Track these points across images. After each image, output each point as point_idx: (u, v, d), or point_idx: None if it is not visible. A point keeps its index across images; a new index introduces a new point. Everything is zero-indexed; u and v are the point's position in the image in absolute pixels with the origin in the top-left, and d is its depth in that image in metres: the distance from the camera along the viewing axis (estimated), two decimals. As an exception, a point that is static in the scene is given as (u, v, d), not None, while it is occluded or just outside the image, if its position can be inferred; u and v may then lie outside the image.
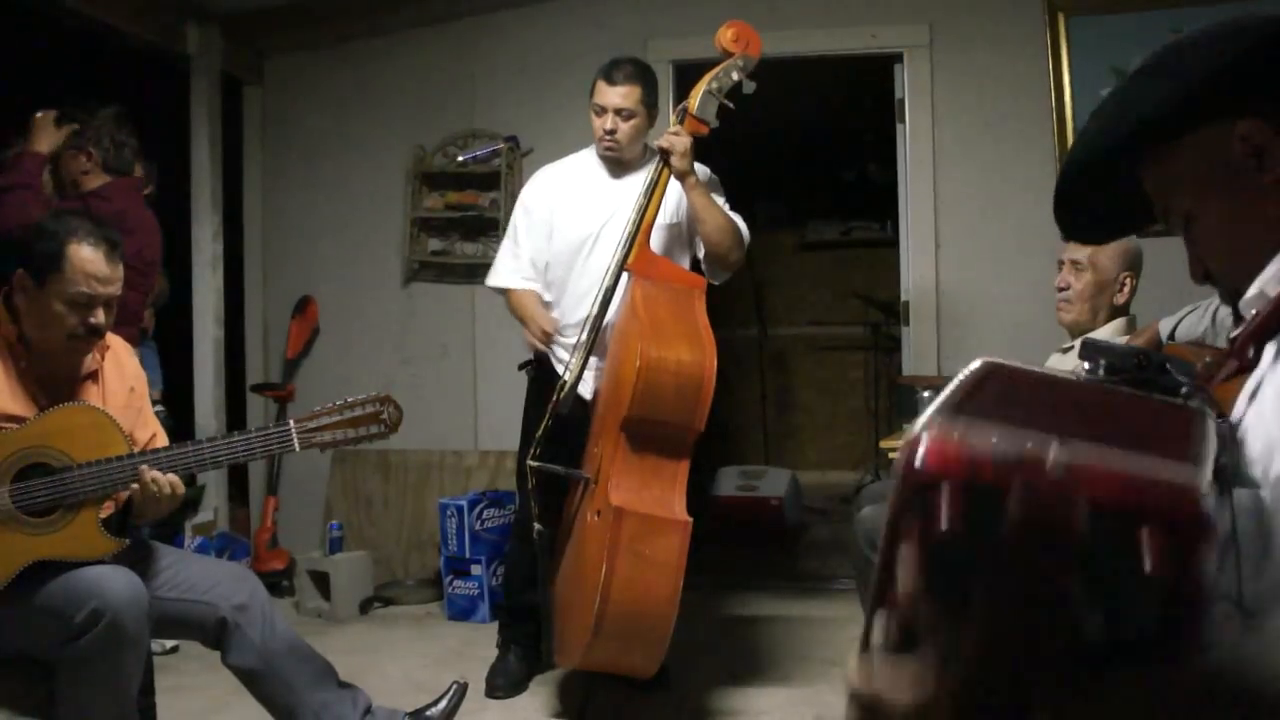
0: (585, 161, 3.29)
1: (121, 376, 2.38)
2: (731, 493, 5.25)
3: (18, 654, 2.17)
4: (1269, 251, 0.96)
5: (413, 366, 4.64)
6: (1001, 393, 0.83)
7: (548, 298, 3.25)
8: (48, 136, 3.19)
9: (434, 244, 4.71)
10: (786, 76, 5.27)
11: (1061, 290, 2.79)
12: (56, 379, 2.27)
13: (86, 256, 2.18)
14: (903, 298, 4.40)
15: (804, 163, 7.07)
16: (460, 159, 4.60)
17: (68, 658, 2.05)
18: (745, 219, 3.18)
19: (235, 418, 4.74)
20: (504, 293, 3.32)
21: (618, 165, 3.20)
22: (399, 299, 4.72)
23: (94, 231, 2.23)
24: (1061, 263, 2.82)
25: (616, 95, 3.09)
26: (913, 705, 0.73)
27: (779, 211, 7.30)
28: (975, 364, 0.87)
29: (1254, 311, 0.96)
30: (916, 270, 4.31)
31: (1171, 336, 2.56)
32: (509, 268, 3.30)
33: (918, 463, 0.72)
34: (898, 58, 4.33)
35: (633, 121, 3.11)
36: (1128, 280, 2.73)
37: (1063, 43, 4.09)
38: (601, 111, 3.11)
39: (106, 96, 3.42)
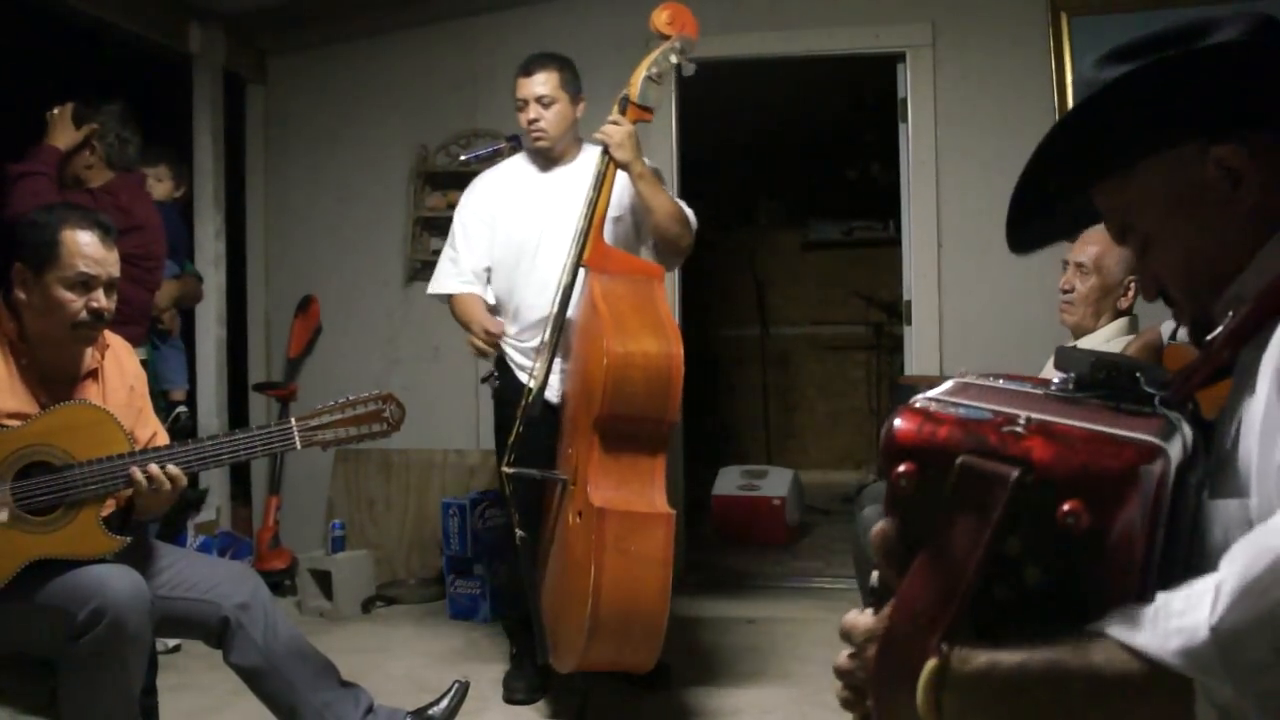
0: (521, 165, 3.29)
1: (122, 375, 2.39)
2: (733, 492, 5.25)
3: (20, 652, 2.18)
4: (1232, 274, 0.97)
5: (414, 365, 4.64)
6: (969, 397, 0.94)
7: (491, 302, 3.24)
8: (65, 132, 3.21)
9: (436, 243, 4.70)
10: (789, 76, 5.28)
11: (1065, 292, 2.78)
12: (57, 376, 2.27)
13: (81, 240, 2.20)
14: (905, 297, 4.40)
15: (806, 162, 7.08)
16: (462, 158, 4.58)
17: (70, 656, 2.05)
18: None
19: (237, 417, 4.74)
20: (446, 300, 3.29)
21: (551, 161, 3.20)
22: (401, 298, 4.73)
23: (85, 216, 2.26)
24: (1066, 263, 2.82)
25: (535, 84, 3.11)
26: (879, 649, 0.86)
27: (781, 211, 7.31)
28: (948, 382, 0.98)
29: (1230, 313, 0.97)
30: (918, 270, 4.31)
31: (1173, 337, 2.56)
32: (449, 273, 3.27)
33: (896, 424, 0.86)
34: (900, 57, 4.32)
35: (555, 108, 3.11)
36: (1132, 284, 2.72)
37: (1065, 42, 4.08)
38: (524, 105, 3.12)
39: (110, 95, 3.43)
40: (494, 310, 3.24)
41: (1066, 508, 0.77)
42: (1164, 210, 1.00)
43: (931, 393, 0.92)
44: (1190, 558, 0.86)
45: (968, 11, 4.26)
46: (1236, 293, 0.97)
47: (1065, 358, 0.97)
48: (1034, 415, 0.84)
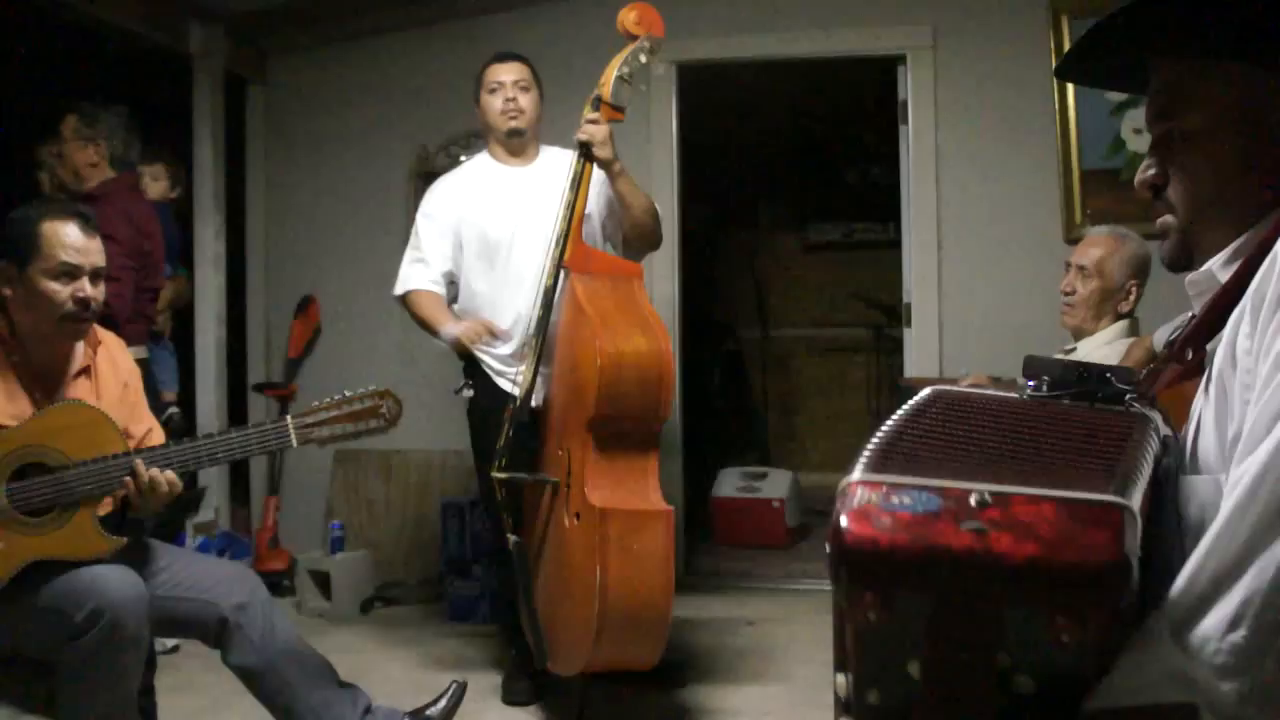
0: (484, 165, 3.27)
1: (115, 371, 2.38)
2: (733, 494, 5.25)
3: (18, 653, 2.17)
4: (1241, 219, 0.95)
5: (414, 366, 4.63)
6: (931, 427, 0.87)
7: (455, 307, 3.21)
8: None
9: (436, 244, 4.71)
10: (790, 78, 5.28)
11: (1067, 294, 2.79)
12: (49, 373, 2.26)
13: (62, 230, 2.20)
14: (904, 299, 4.39)
15: (807, 164, 7.07)
16: (463, 159, 4.58)
17: (68, 657, 2.05)
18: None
19: (237, 417, 4.74)
20: (403, 300, 3.23)
21: (516, 157, 3.21)
22: (401, 298, 4.72)
23: (64, 207, 2.28)
24: (1068, 265, 2.82)
25: (511, 69, 3.17)
26: None
27: (782, 213, 7.29)
28: (924, 392, 0.94)
29: (1190, 315, 0.97)
30: (918, 272, 4.30)
31: (1167, 345, 2.56)
32: (418, 273, 3.21)
33: (844, 523, 0.77)
34: (901, 59, 4.32)
35: (530, 94, 3.17)
36: (1134, 288, 2.73)
37: (1066, 44, 4.08)
38: (498, 87, 3.16)
39: (110, 95, 3.44)
40: (458, 316, 3.20)
41: (1060, 625, 0.72)
42: (1219, 116, 0.96)
43: (868, 466, 0.82)
44: (1173, 535, 0.86)
45: (968, 14, 4.26)
46: (1210, 269, 0.97)
47: (1032, 364, 0.98)
48: (990, 488, 0.76)
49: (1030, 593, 0.73)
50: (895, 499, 0.77)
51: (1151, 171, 1.03)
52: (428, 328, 3.19)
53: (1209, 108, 0.97)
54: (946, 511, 0.75)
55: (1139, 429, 0.88)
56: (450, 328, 3.10)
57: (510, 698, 3.17)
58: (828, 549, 0.77)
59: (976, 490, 0.76)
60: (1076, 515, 0.74)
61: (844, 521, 0.77)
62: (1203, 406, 0.92)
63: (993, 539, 0.73)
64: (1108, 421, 0.90)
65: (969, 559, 0.73)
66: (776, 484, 5.26)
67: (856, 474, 0.80)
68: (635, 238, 3.14)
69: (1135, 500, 0.77)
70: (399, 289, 3.26)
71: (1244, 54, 0.95)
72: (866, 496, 0.78)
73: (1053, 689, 0.75)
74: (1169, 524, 0.86)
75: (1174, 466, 0.90)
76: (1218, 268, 0.97)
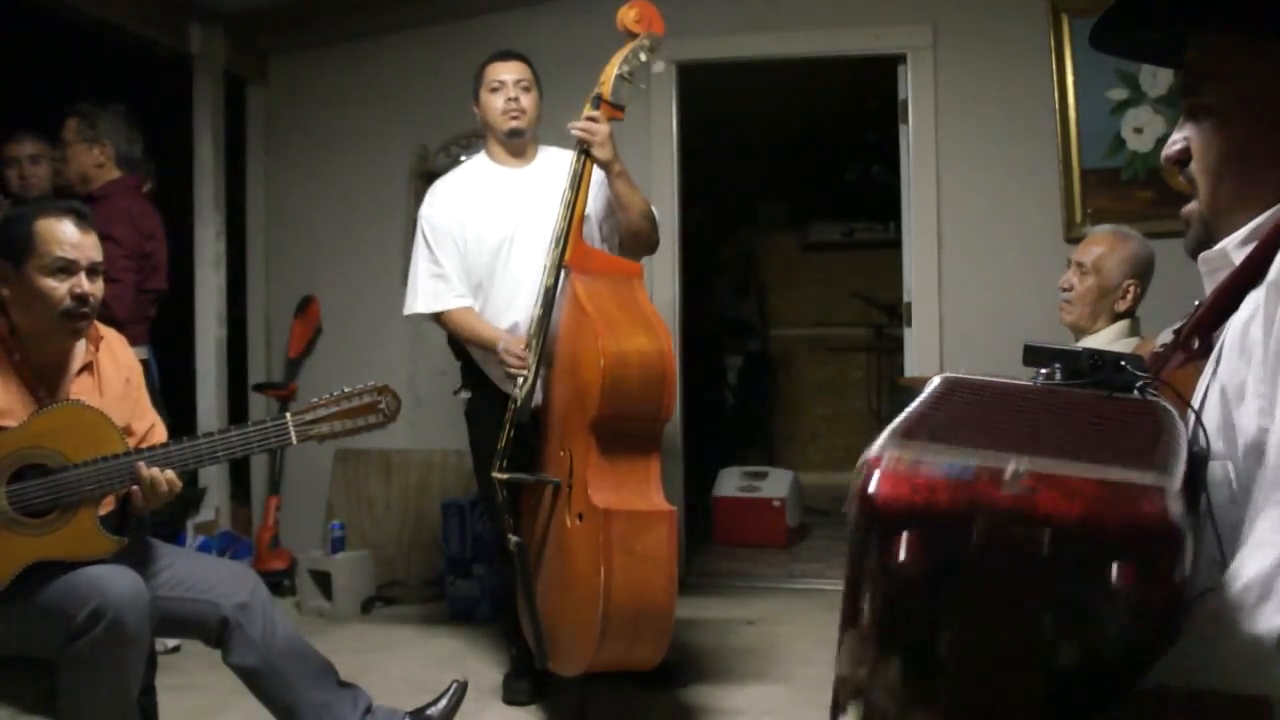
0: (482, 167, 3.25)
1: (117, 367, 2.38)
2: (733, 493, 5.25)
3: (19, 653, 2.17)
4: (1259, 201, 0.94)
5: (415, 366, 4.64)
6: (956, 412, 0.82)
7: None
8: None
9: (436, 244, 4.71)
10: (790, 77, 5.28)
11: (1064, 291, 2.80)
12: (51, 372, 2.26)
13: (56, 227, 2.19)
14: (905, 299, 4.39)
15: (807, 164, 7.08)
16: (463, 159, 4.58)
17: (69, 657, 2.04)
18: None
19: (237, 417, 4.73)
20: (437, 318, 3.16)
21: (515, 157, 3.19)
22: (401, 298, 4.68)
23: (58, 205, 2.28)
24: (1070, 262, 2.83)
25: (513, 68, 3.16)
26: None
27: (782, 212, 7.30)
28: (935, 380, 0.89)
29: (1196, 303, 0.97)
30: (919, 271, 4.30)
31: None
32: (436, 289, 3.14)
33: (871, 489, 0.70)
34: (901, 59, 4.32)
35: (531, 93, 3.16)
36: (1131, 288, 2.73)
37: (1066, 44, 4.08)
38: (500, 86, 3.14)
39: (110, 95, 3.44)
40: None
41: (1117, 582, 0.66)
42: (1241, 93, 0.95)
43: (891, 440, 0.75)
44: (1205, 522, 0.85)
45: (968, 13, 4.26)
46: (1224, 249, 0.97)
47: (1033, 352, 0.96)
48: (1026, 463, 0.70)
49: (1083, 548, 0.67)
50: (925, 467, 0.71)
51: (1177, 147, 1.02)
52: (476, 343, 3.11)
53: (1232, 85, 0.96)
54: (982, 479, 0.69)
55: (1168, 416, 0.85)
56: (501, 343, 2.99)
57: (511, 697, 3.17)
58: (850, 521, 0.71)
59: (1012, 463, 0.70)
60: (1121, 493, 0.69)
61: (873, 486, 0.70)
62: (1209, 383, 0.91)
63: (1040, 497, 0.68)
64: (1138, 408, 0.87)
65: (1015, 512, 0.68)
66: (777, 483, 5.27)
67: (878, 447, 0.74)
68: (630, 241, 3.12)
69: (1175, 484, 0.73)
70: (427, 307, 3.15)
71: (1271, 32, 0.93)
72: (894, 464, 0.71)
73: (1102, 661, 0.70)
74: (1202, 512, 0.85)
75: (1204, 454, 0.88)
76: (1232, 247, 0.96)
